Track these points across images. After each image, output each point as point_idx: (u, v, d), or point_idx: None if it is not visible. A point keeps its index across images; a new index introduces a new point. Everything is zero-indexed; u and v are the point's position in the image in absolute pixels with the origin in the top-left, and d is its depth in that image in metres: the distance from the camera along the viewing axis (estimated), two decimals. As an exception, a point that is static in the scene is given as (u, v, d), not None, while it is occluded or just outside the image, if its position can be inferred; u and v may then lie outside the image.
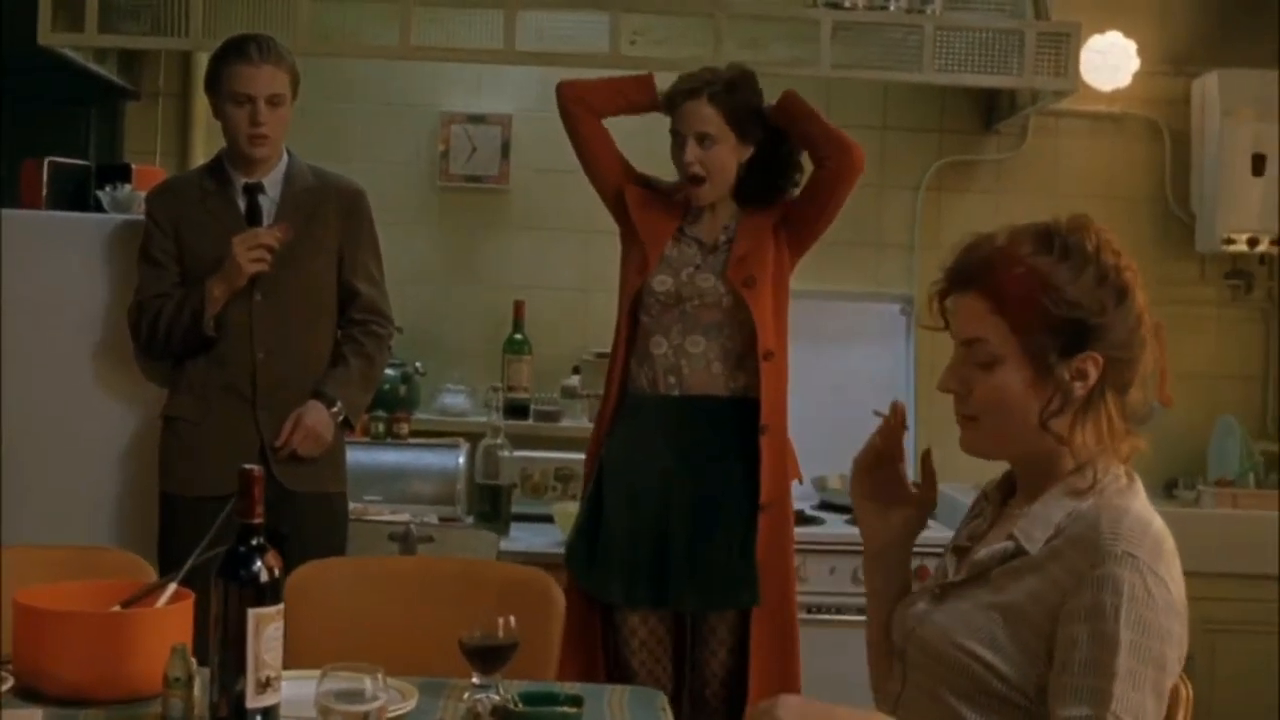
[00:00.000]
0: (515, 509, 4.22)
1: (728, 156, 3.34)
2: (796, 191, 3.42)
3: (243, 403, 3.48)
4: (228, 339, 3.47)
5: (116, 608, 2.22)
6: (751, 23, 4.15)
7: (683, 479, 3.31)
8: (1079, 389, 1.81)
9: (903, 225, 4.79)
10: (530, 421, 4.49)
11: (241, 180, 3.54)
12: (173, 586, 2.23)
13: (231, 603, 1.91)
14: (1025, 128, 4.77)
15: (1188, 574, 1.80)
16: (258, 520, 1.94)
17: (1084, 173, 4.81)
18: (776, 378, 3.34)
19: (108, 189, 3.94)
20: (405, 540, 3.64)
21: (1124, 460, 1.87)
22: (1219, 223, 4.61)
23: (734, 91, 3.34)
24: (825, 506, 4.38)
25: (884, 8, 4.14)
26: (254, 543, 1.93)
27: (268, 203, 3.54)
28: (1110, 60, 4.56)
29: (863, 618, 3.99)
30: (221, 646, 1.91)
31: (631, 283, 3.41)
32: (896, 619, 1.99)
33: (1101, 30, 4.52)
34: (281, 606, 1.94)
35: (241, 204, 3.53)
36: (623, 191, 3.46)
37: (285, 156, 3.57)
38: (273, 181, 3.55)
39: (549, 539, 4.05)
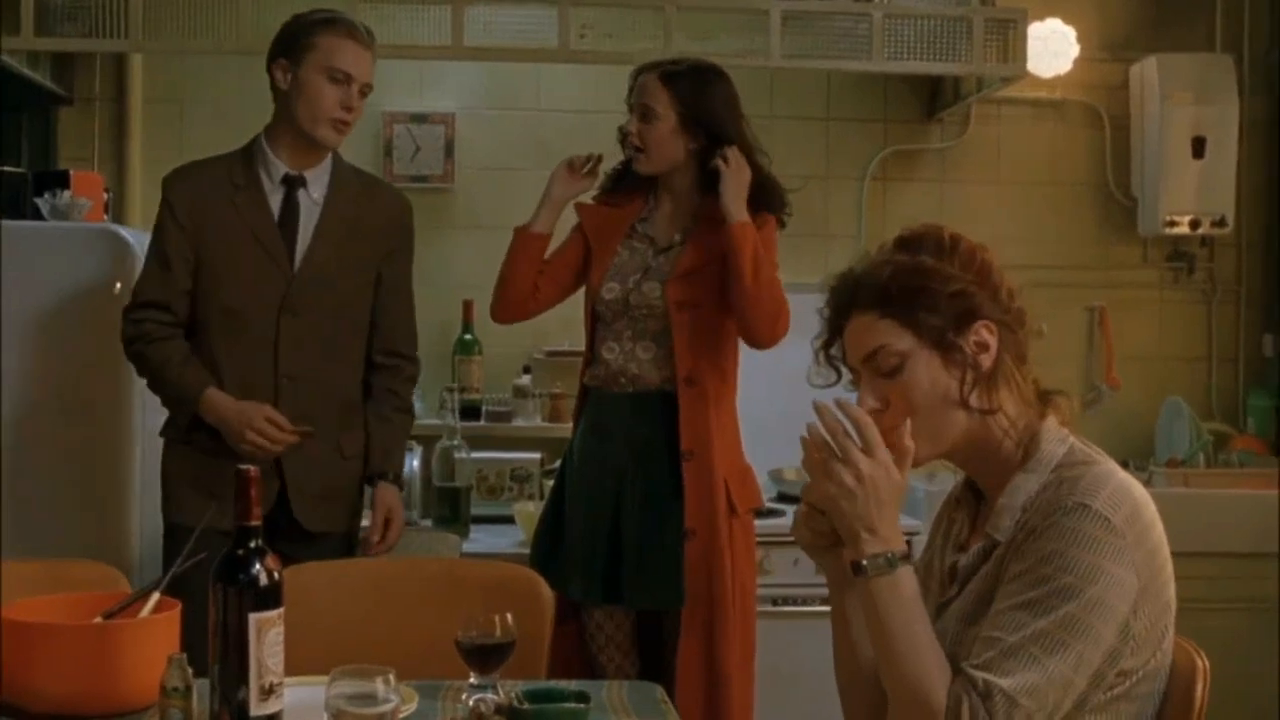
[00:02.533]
0: (472, 511, 4.17)
1: (667, 136, 3.24)
2: (763, 213, 3.28)
3: None
4: (249, 359, 3.13)
5: (99, 619, 2.16)
6: (701, 14, 4.14)
7: (636, 475, 3.25)
8: (985, 360, 1.84)
9: (849, 215, 4.80)
10: (483, 422, 4.44)
11: (284, 170, 3.15)
12: (156, 596, 2.18)
13: (231, 607, 1.86)
14: (968, 115, 4.80)
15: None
16: (256, 522, 1.89)
17: (1026, 159, 4.86)
18: (699, 404, 3.22)
19: (47, 196, 3.84)
20: (366, 544, 3.56)
21: (1064, 421, 1.89)
22: (1161, 206, 4.67)
23: (691, 78, 3.26)
24: (783, 498, 4.36)
25: (832, -3, 4.15)
26: (252, 545, 1.88)
27: (308, 202, 3.17)
28: (1051, 47, 4.59)
29: (826, 609, 4.04)
30: (222, 653, 1.86)
31: (589, 293, 3.36)
32: None
33: (1041, 17, 4.55)
34: (282, 610, 1.89)
35: (275, 201, 3.15)
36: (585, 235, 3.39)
37: (330, 154, 3.25)
38: (317, 178, 3.19)
39: (511, 540, 4.00)
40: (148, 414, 3.80)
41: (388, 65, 4.47)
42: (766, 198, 3.30)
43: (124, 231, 3.80)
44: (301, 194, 3.18)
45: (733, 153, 3.23)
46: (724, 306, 3.25)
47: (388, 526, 3.23)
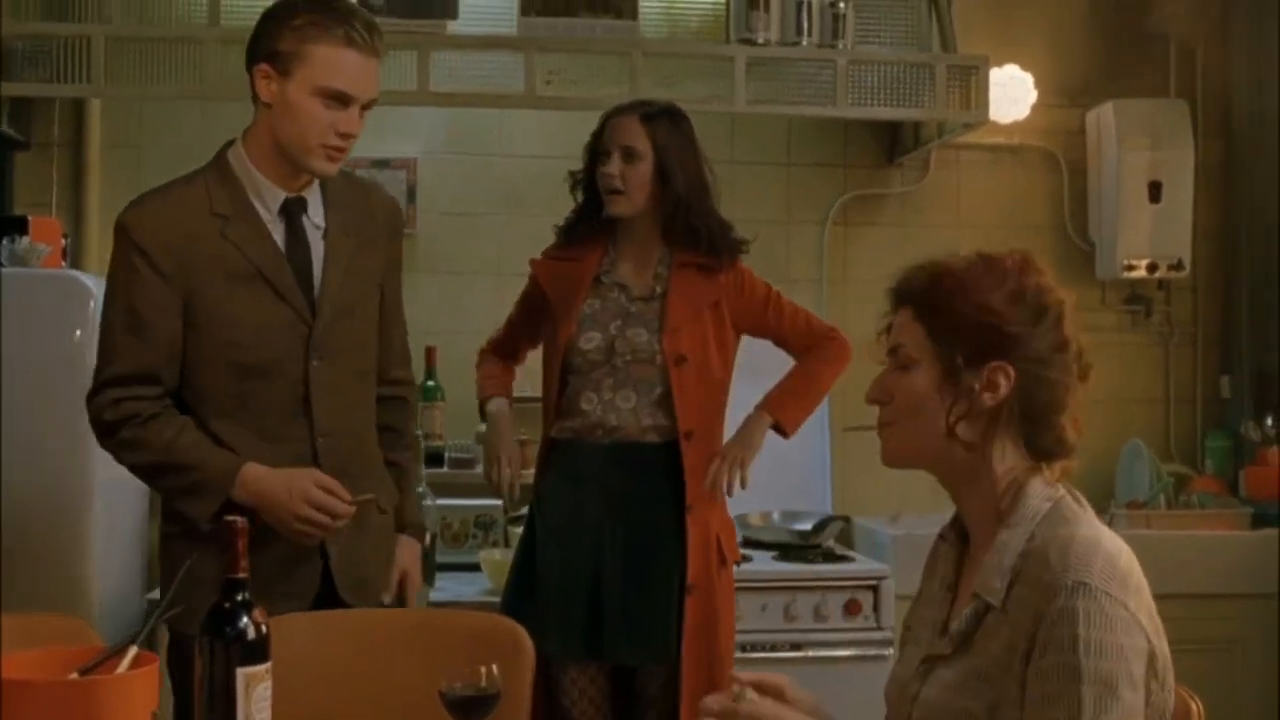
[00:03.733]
0: (437, 559, 4.12)
1: (648, 177, 3.22)
2: (731, 260, 3.30)
3: None
4: (279, 422, 2.62)
5: (74, 675, 2.11)
6: (666, 60, 4.15)
7: (616, 527, 3.21)
8: (988, 399, 1.83)
9: (811, 260, 4.82)
10: (445, 469, 4.40)
11: (280, 194, 2.63)
12: (134, 650, 2.12)
13: (218, 662, 1.82)
14: (928, 160, 4.83)
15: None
16: (243, 575, 1.85)
17: (985, 203, 4.89)
18: (698, 457, 3.22)
19: (5, 242, 3.80)
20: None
21: (1052, 481, 1.87)
22: (1119, 250, 4.71)
23: (666, 119, 3.26)
24: (747, 544, 4.34)
25: (796, 43, 4.18)
26: (239, 598, 1.84)
27: (309, 226, 2.67)
28: (1009, 93, 4.63)
29: (796, 654, 4.02)
30: (209, 708, 1.82)
31: (554, 347, 3.30)
32: (889, 691, 1.98)
33: (999, 64, 4.59)
34: (270, 664, 1.85)
35: (276, 229, 2.63)
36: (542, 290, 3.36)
37: None
38: (312, 196, 2.67)
39: (478, 588, 3.95)
40: (107, 463, 3.75)
41: (349, 111, 4.47)
42: (726, 242, 3.30)
43: (83, 277, 3.76)
44: (304, 219, 2.67)
45: (719, 465, 3.21)
46: (718, 359, 3.27)
47: (402, 585, 2.86)
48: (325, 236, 2.68)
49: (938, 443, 1.85)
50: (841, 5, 4.21)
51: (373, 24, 2.62)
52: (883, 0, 4.36)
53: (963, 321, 1.83)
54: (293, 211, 2.64)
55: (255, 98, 2.62)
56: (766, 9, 4.14)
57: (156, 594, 3.83)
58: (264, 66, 2.57)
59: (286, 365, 2.61)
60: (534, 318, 3.40)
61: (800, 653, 3.98)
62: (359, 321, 2.72)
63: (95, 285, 3.77)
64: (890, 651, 4.00)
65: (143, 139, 4.50)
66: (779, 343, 3.41)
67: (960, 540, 1.96)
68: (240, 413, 2.61)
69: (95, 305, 3.70)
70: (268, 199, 2.62)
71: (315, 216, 2.68)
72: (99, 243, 4.42)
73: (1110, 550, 1.77)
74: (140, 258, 2.55)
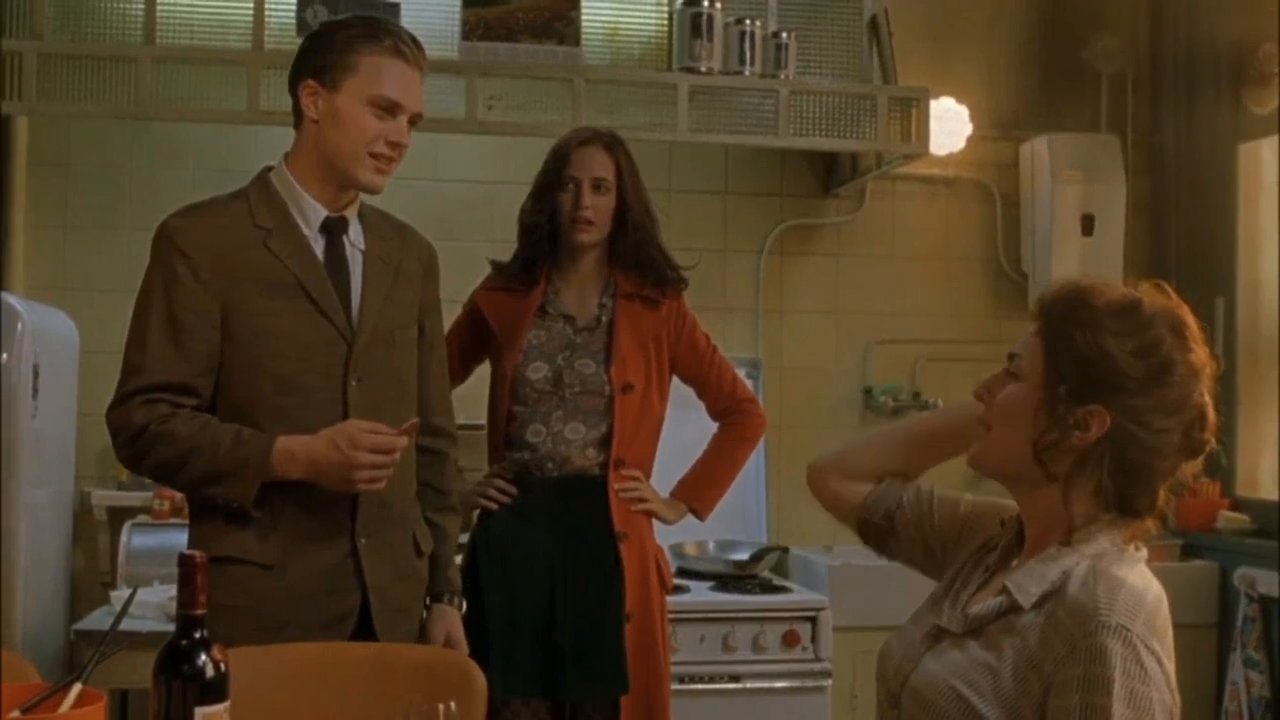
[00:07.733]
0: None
1: (613, 207, 3.21)
2: (675, 292, 3.31)
3: (340, 534, 2.57)
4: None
5: (16, 714, 2.03)
6: (609, 87, 4.14)
7: (569, 562, 3.16)
8: (1078, 438, 1.81)
9: (747, 289, 4.81)
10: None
11: (322, 211, 2.59)
12: (78, 687, 2.05)
13: (174, 701, 1.76)
14: (864, 191, 4.85)
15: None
16: (200, 611, 1.79)
17: (920, 234, 4.93)
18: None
19: (-73, 262, 3.70)
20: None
21: (1126, 542, 1.84)
22: (1051, 281, 4.74)
23: (621, 146, 3.25)
24: (683, 574, 4.32)
25: (739, 73, 4.17)
26: (197, 636, 1.78)
27: (349, 249, 2.63)
28: (945, 125, 4.66)
29: (734, 685, 4.00)
30: (165, 750, 1.76)
31: (500, 377, 3.24)
32: (888, 650, 1.98)
33: (935, 96, 4.61)
34: (228, 704, 1.79)
35: (316, 245, 2.59)
36: (486, 322, 3.28)
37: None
38: (352, 219, 2.65)
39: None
40: (33, 490, 3.67)
41: (282, 130, 4.38)
42: (673, 274, 3.30)
43: (12, 299, 3.67)
44: (344, 239, 2.63)
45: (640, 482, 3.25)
46: (657, 390, 3.25)
47: None
48: (364, 260, 2.65)
49: (1024, 462, 1.85)
50: (784, 36, 4.23)
51: (416, 40, 2.62)
52: (824, 31, 4.38)
53: (1078, 355, 1.81)
54: (334, 230, 2.61)
55: (298, 119, 2.62)
56: (710, 38, 4.15)
57: (83, 625, 3.77)
58: (310, 82, 2.57)
59: (325, 382, 2.55)
60: (470, 355, 3.35)
61: (739, 684, 3.96)
62: (399, 351, 2.66)
63: (22, 307, 3.69)
64: (829, 683, 4.00)
65: (70, 157, 4.41)
66: (702, 394, 3.42)
67: (1017, 538, 1.95)
68: (278, 429, 2.51)
69: (22, 328, 3.63)
70: (309, 215, 2.59)
71: (355, 239, 2.65)
72: (23, 263, 4.32)
73: (1153, 602, 1.76)
74: (182, 262, 2.51)
